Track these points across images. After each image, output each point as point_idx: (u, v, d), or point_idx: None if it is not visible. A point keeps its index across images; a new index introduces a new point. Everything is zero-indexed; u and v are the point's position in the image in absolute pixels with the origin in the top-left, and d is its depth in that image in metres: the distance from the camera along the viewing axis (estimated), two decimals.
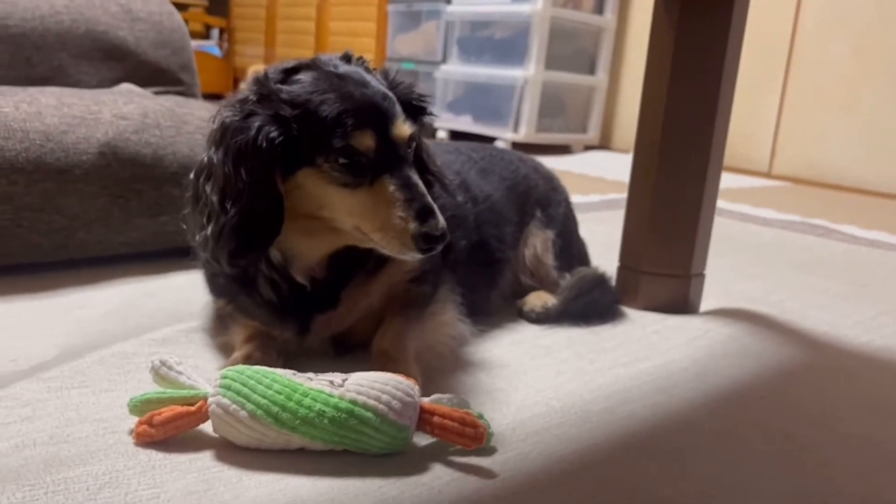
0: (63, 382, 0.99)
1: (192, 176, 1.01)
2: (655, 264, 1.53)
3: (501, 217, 1.38)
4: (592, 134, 5.07)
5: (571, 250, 1.52)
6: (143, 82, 2.19)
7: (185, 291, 1.42)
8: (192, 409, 0.87)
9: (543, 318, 1.39)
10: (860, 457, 1.00)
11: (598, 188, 3.35)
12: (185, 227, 1.06)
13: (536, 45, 4.52)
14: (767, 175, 4.41)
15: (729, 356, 1.32)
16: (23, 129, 1.39)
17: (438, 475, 0.85)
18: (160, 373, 0.91)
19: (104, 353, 1.09)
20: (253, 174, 0.92)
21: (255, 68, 5.12)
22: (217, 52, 7.22)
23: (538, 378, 1.16)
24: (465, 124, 4.90)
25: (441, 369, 1.13)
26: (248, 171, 0.91)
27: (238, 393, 0.85)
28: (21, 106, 1.43)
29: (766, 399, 1.16)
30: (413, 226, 0.93)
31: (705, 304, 1.59)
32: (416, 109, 1.07)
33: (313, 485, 0.81)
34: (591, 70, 4.97)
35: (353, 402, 0.84)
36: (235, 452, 0.86)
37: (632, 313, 1.51)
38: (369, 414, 0.84)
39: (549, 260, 1.45)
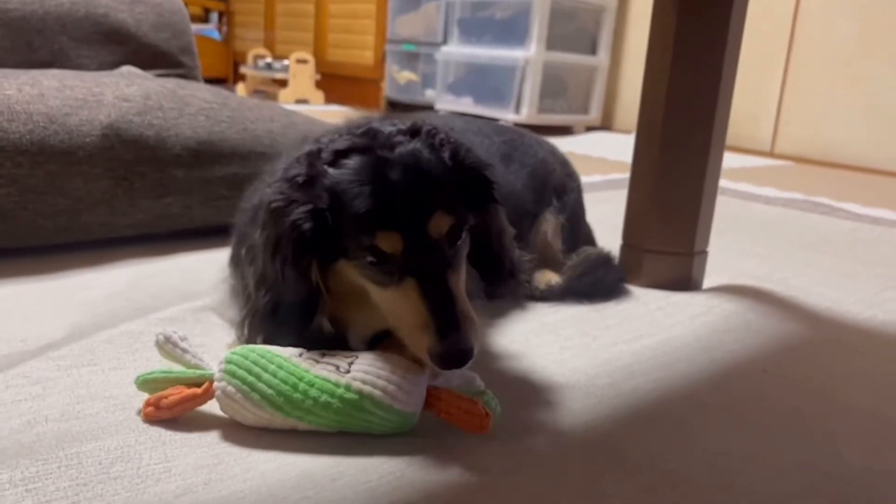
0: (73, 361, 1.00)
1: (235, 248, 1.04)
2: (658, 242, 1.53)
3: (522, 210, 1.37)
4: (594, 115, 5.06)
5: (579, 234, 1.53)
6: (143, 65, 2.19)
7: (190, 272, 1.43)
8: (199, 391, 0.88)
9: (548, 295, 1.40)
10: (864, 429, 1.01)
11: (600, 169, 3.35)
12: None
13: (537, 26, 4.49)
14: (770, 154, 4.40)
15: (732, 332, 1.33)
16: (26, 111, 1.39)
17: (445, 448, 0.86)
18: (165, 348, 0.91)
19: (112, 332, 1.10)
20: (285, 265, 0.89)
21: (256, 52, 5.06)
22: (216, 35, 7.20)
23: (542, 354, 1.17)
24: (466, 105, 4.88)
25: None
26: (281, 261, 0.89)
27: (243, 381, 0.85)
28: (24, 88, 1.43)
29: (769, 373, 1.17)
30: (432, 341, 0.84)
31: (708, 281, 1.60)
32: (478, 194, 0.98)
33: (321, 459, 0.82)
34: (593, 50, 4.94)
35: (360, 393, 0.84)
36: (245, 429, 0.87)
37: (635, 291, 1.51)
38: (374, 404, 0.84)
39: (558, 244, 1.45)
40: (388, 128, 0.94)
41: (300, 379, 0.85)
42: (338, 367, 0.87)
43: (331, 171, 0.89)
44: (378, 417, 0.85)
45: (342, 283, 0.93)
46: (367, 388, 0.84)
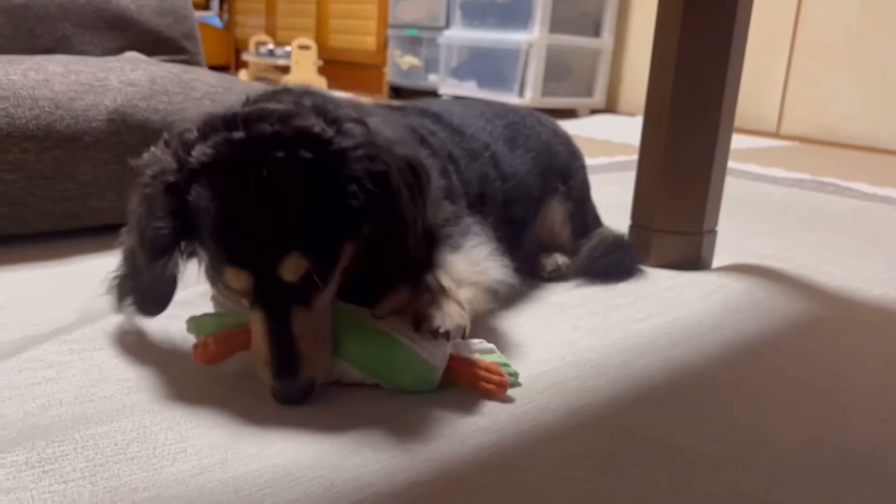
0: (85, 345, 1.00)
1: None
2: (667, 221, 1.52)
3: (527, 195, 1.36)
4: (598, 97, 5.03)
5: (587, 218, 1.52)
6: (146, 51, 2.18)
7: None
8: (247, 330, 0.90)
9: (556, 276, 1.40)
10: (874, 404, 1.00)
11: (605, 151, 3.34)
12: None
13: (540, 8, 4.47)
14: (775, 135, 4.38)
15: (742, 310, 1.33)
16: (32, 96, 1.38)
17: (460, 426, 0.86)
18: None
19: (123, 316, 1.10)
20: (147, 258, 0.90)
21: (258, 39, 5.02)
22: (217, 22, 7.17)
23: (553, 334, 1.17)
24: (470, 90, 4.86)
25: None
26: (142, 256, 0.91)
27: None
28: (29, 73, 1.43)
29: (780, 351, 1.17)
30: (270, 377, 0.86)
31: (717, 261, 1.59)
32: (352, 214, 0.85)
33: (336, 439, 0.82)
34: (596, 32, 4.92)
35: (388, 335, 0.90)
36: (259, 410, 0.87)
37: (645, 270, 1.51)
38: (402, 345, 0.89)
39: (567, 234, 1.45)
40: (264, 129, 0.84)
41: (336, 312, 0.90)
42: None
43: (193, 187, 0.84)
44: (403, 361, 0.89)
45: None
46: (396, 335, 0.89)
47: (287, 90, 0.96)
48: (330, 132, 0.85)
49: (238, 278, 0.84)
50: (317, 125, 0.86)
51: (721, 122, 1.47)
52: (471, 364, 0.91)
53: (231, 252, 0.84)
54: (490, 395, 0.91)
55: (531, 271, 1.42)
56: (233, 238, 0.83)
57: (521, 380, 0.98)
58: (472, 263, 1.01)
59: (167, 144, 0.90)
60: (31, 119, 1.37)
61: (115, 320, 1.09)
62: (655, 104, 1.51)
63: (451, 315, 0.90)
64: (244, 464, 0.77)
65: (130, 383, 0.91)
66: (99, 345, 1.01)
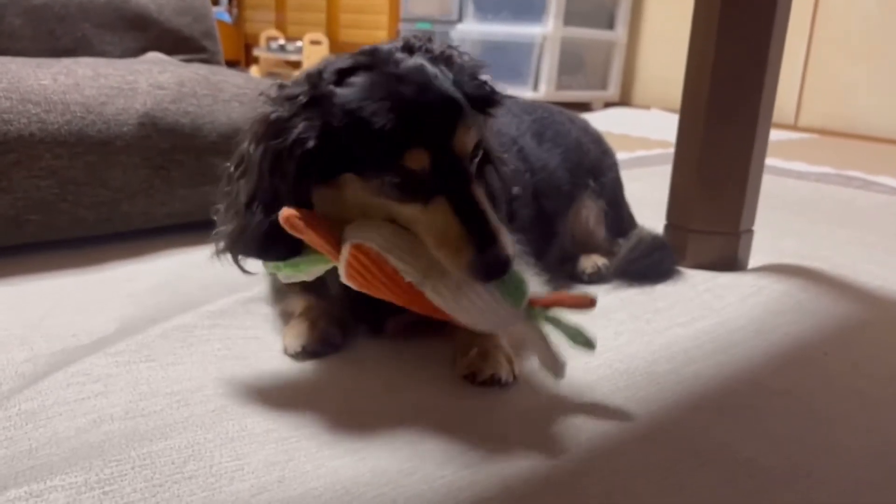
0: (130, 357, 0.99)
1: (228, 166, 0.95)
2: (704, 222, 1.50)
3: (557, 189, 1.34)
4: (612, 90, 5.00)
5: (622, 217, 1.49)
6: (166, 51, 2.16)
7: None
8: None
9: (596, 279, 1.38)
10: None
11: (624, 145, 3.30)
12: (215, 218, 0.98)
13: (555, 1, 4.43)
14: (793, 127, 4.34)
15: (785, 313, 1.30)
16: (63, 101, 1.37)
17: (520, 440, 0.85)
18: None
19: (165, 326, 1.09)
20: (287, 182, 0.86)
21: (268, 34, 4.99)
22: (227, 18, 7.13)
23: (598, 340, 1.14)
24: None
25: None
26: (280, 177, 0.86)
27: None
28: (59, 78, 1.41)
29: (829, 356, 1.15)
30: (472, 256, 0.82)
31: (752, 261, 1.57)
32: (484, 101, 0.95)
33: (394, 454, 0.81)
34: (610, 25, 4.87)
35: None
36: (310, 423, 0.85)
37: (682, 272, 1.49)
38: None
39: (602, 232, 1.42)
40: (385, 46, 0.91)
41: None
42: None
43: (337, 90, 0.86)
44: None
45: (341, 200, 0.90)
46: None
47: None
48: (450, 49, 0.96)
49: (418, 158, 0.84)
50: (418, 41, 0.94)
51: (760, 118, 1.45)
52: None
53: (407, 133, 0.83)
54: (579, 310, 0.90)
55: (570, 274, 1.41)
56: (404, 119, 0.83)
57: (571, 391, 0.97)
58: None
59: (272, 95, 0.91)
60: (63, 124, 1.35)
61: (155, 331, 1.07)
62: (692, 100, 1.48)
63: (501, 364, 0.96)
64: (302, 482, 0.75)
65: (179, 397, 0.90)
66: (144, 357, 0.99)
